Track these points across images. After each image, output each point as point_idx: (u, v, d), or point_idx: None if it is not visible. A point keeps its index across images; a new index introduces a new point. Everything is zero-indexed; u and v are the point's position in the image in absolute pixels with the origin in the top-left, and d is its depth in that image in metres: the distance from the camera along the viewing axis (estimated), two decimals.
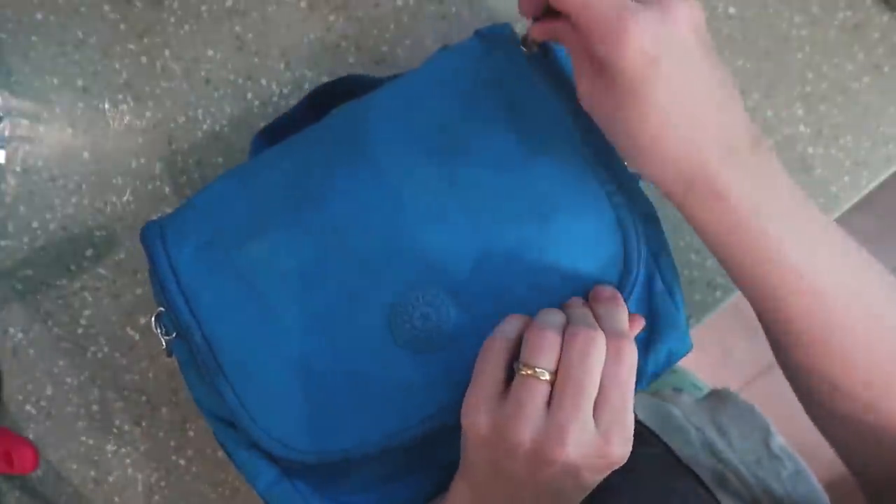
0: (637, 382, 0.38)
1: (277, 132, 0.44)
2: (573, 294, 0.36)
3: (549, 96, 0.37)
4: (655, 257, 0.38)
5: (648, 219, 0.38)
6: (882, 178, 0.51)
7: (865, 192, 0.51)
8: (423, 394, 0.37)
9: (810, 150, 0.50)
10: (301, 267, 0.37)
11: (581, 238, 0.36)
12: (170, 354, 0.40)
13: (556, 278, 0.36)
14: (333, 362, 0.37)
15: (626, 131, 0.28)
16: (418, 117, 0.38)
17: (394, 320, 0.37)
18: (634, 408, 0.49)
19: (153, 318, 0.39)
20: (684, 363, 0.73)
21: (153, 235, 0.39)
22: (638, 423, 0.48)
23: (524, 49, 0.38)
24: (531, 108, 0.37)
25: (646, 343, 0.38)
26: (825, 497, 0.47)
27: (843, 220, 0.52)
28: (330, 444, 0.37)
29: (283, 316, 0.37)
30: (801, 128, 0.50)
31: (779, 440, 0.51)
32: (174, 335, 0.39)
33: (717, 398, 0.58)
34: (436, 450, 0.39)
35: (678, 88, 0.26)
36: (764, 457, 0.49)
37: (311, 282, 0.37)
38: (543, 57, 0.39)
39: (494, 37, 0.39)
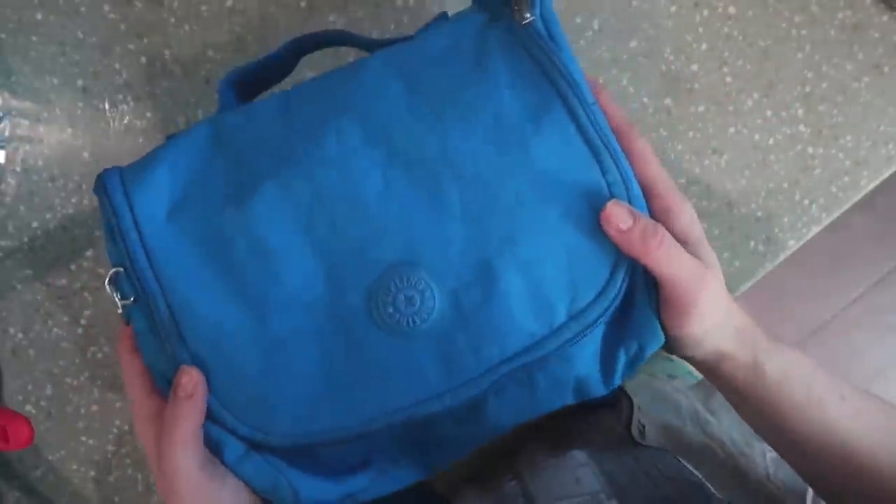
0: (609, 377, 0.38)
1: (250, 79, 0.42)
2: (560, 287, 0.35)
3: (549, 72, 0.36)
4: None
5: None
6: (882, 178, 0.51)
7: (865, 192, 0.51)
8: (400, 382, 0.35)
9: (810, 150, 0.50)
10: (281, 238, 0.35)
11: (574, 230, 0.35)
12: (127, 322, 0.37)
13: (545, 271, 0.35)
14: (308, 344, 0.35)
15: (690, 331, 0.37)
16: (414, 86, 0.36)
17: (374, 302, 0.35)
18: (624, 385, 0.50)
19: (107, 280, 0.36)
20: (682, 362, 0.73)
21: (113, 187, 0.36)
22: (621, 390, 0.49)
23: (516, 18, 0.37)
24: (529, 85, 0.36)
25: (620, 336, 0.37)
26: (807, 486, 0.48)
27: (843, 220, 0.53)
28: (299, 429, 0.35)
29: (257, 291, 0.35)
30: (801, 128, 0.50)
31: None
32: (132, 299, 0.36)
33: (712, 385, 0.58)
34: (416, 436, 0.38)
35: (718, 306, 0.37)
36: (753, 439, 0.50)
37: (290, 255, 0.35)
38: (543, 34, 0.37)
39: (491, 3, 0.38)
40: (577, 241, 0.35)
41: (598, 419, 0.50)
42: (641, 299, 0.36)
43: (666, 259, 0.34)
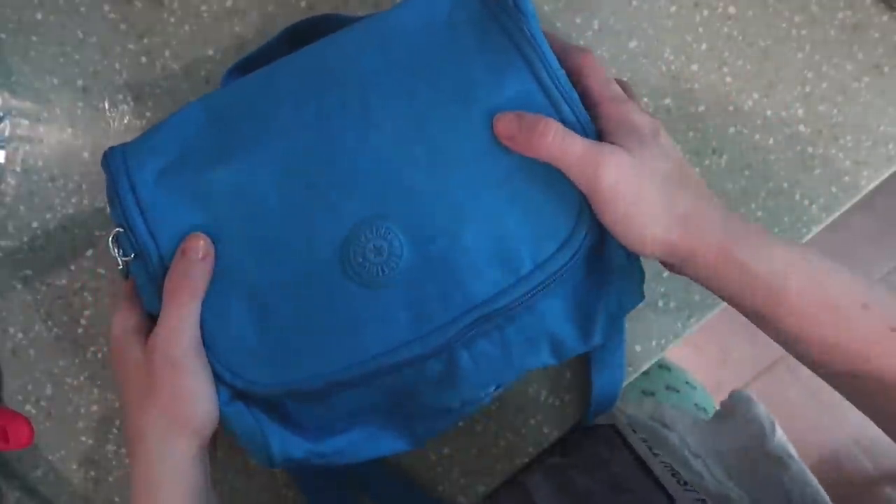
0: (589, 334, 0.38)
1: (250, 69, 0.44)
2: (523, 237, 0.36)
3: (515, 39, 0.37)
4: None
5: None
6: (882, 178, 0.51)
7: (865, 192, 0.51)
8: (372, 331, 0.37)
9: (810, 150, 0.50)
10: (261, 196, 0.37)
11: (536, 181, 0.36)
12: (126, 276, 0.40)
13: (509, 222, 0.36)
14: (286, 295, 0.37)
15: (610, 217, 0.35)
16: (390, 54, 0.38)
17: (346, 253, 0.37)
18: (629, 423, 0.48)
19: (110, 238, 0.39)
20: (681, 362, 0.73)
21: (115, 158, 0.39)
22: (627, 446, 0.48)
23: None
24: (495, 50, 0.37)
25: (597, 292, 0.38)
26: None
27: (843, 220, 0.53)
28: (277, 377, 0.37)
29: (239, 244, 0.37)
30: (801, 128, 0.50)
31: (793, 463, 0.51)
32: (132, 256, 0.38)
33: (720, 421, 0.58)
34: (399, 401, 0.40)
35: (634, 189, 0.35)
36: (752, 488, 0.49)
37: (269, 211, 0.37)
38: (511, 4, 0.38)
39: None
40: (539, 192, 0.36)
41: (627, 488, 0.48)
42: (615, 254, 0.37)
43: (554, 148, 0.35)
